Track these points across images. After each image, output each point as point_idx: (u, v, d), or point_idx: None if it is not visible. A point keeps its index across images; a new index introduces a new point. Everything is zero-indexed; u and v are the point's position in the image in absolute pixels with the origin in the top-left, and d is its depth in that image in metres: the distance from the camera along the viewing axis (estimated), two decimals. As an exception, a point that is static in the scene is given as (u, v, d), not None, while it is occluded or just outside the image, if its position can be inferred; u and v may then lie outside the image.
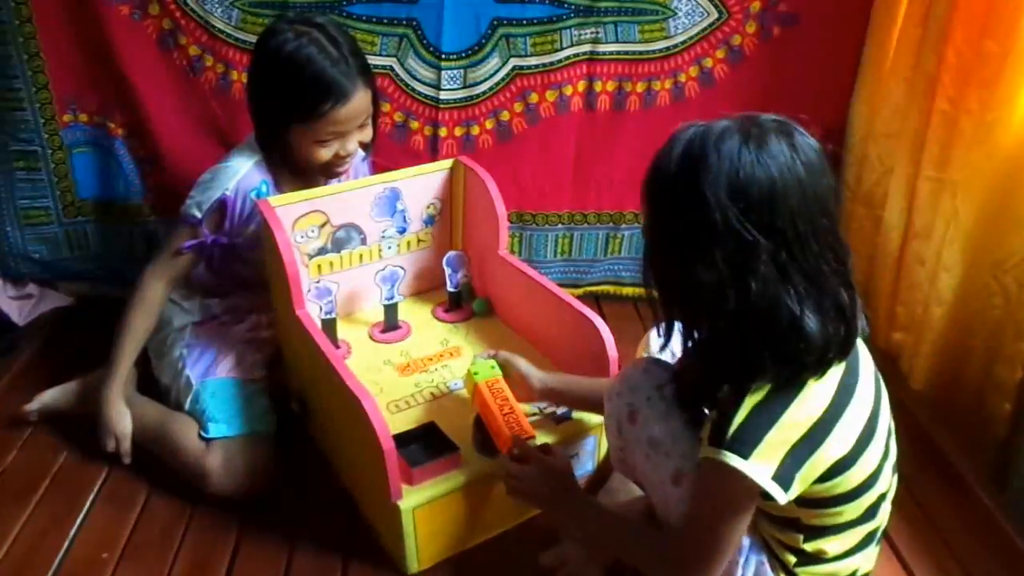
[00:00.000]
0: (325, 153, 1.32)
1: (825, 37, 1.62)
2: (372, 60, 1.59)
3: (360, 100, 1.29)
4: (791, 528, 0.92)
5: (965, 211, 1.36)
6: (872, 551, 0.97)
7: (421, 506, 1.10)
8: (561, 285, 1.64)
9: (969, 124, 1.33)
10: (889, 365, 1.56)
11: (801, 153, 0.80)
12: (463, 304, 1.55)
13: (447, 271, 1.50)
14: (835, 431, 0.85)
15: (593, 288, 1.87)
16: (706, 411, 0.92)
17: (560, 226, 1.80)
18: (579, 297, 1.77)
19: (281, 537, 1.22)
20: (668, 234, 0.86)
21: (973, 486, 1.31)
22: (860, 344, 0.91)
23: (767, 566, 0.94)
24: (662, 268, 0.89)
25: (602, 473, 1.29)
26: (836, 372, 0.86)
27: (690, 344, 0.90)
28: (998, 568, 1.20)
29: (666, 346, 0.95)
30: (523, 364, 1.24)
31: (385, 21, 1.59)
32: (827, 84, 1.66)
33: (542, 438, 1.18)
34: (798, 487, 0.84)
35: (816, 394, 0.84)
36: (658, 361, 1.02)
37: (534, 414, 1.26)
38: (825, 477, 0.86)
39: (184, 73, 1.60)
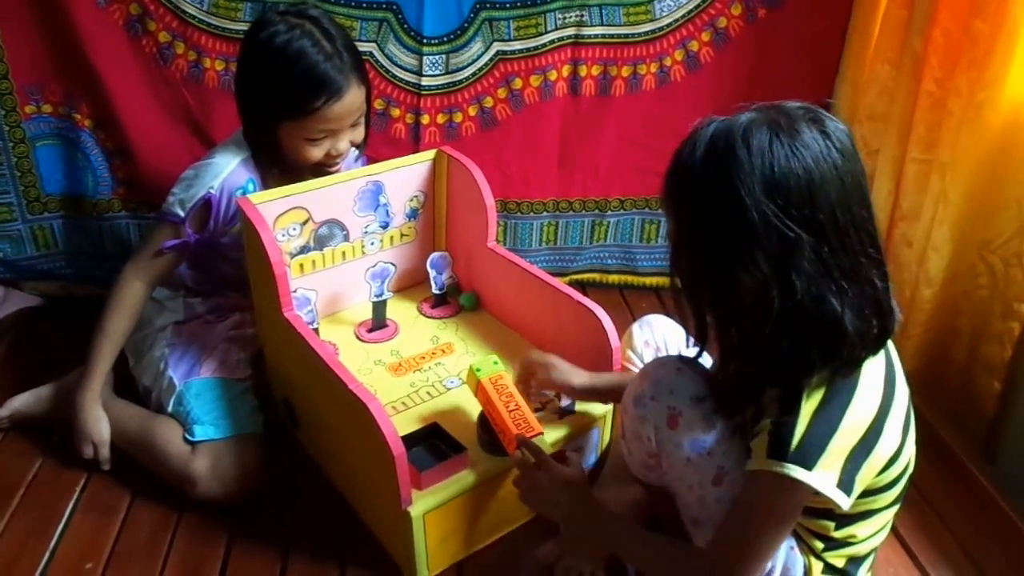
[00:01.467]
0: (316, 152, 1.27)
1: (810, 18, 1.61)
2: (351, 46, 1.55)
3: (354, 97, 1.24)
4: (823, 517, 0.91)
5: (954, 192, 1.36)
6: (888, 529, 0.98)
7: (431, 511, 1.07)
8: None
9: (958, 105, 1.33)
10: (878, 347, 1.57)
11: (835, 139, 0.77)
12: (449, 299, 1.52)
13: (431, 273, 1.46)
14: (886, 428, 0.84)
15: (579, 276, 1.85)
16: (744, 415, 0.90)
17: (545, 214, 1.77)
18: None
19: (274, 542, 1.18)
20: (700, 238, 0.82)
21: (965, 463, 1.32)
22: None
23: (796, 550, 0.94)
24: (694, 273, 0.85)
25: (599, 466, 1.27)
26: (880, 367, 0.85)
27: (727, 349, 0.87)
28: (992, 543, 1.21)
29: (702, 352, 0.92)
30: (560, 363, 1.18)
31: (364, 5, 1.54)
32: (812, 66, 1.66)
33: (549, 432, 1.16)
34: (859, 489, 0.83)
35: (870, 394, 0.83)
36: (685, 359, 0.98)
37: (538, 409, 1.23)
38: (878, 472, 0.85)
39: (154, 61, 1.53)
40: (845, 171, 0.77)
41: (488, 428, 1.15)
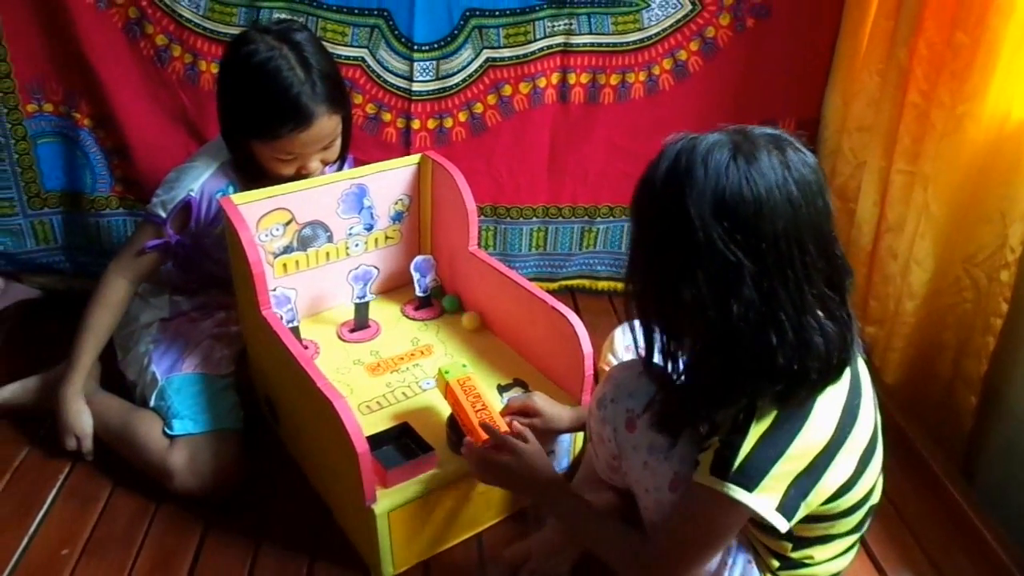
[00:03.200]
0: (285, 169, 1.30)
1: (798, 29, 1.61)
2: (343, 51, 1.58)
3: (322, 126, 1.25)
4: (781, 538, 0.91)
5: (936, 204, 1.35)
6: (852, 555, 0.98)
7: (396, 508, 1.08)
8: (536, 279, 1.63)
9: (940, 117, 1.33)
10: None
11: (794, 170, 0.76)
12: (432, 302, 1.53)
13: (415, 276, 1.48)
14: (838, 458, 0.83)
15: (568, 282, 1.85)
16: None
17: (535, 220, 1.78)
18: (554, 291, 1.76)
19: (247, 536, 1.21)
20: (651, 250, 0.83)
21: (942, 478, 1.31)
22: (862, 365, 0.89)
23: (753, 564, 0.94)
24: (644, 284, 0.86)
25: (572, 470, 1.28)
26: (840, 397, 0.84)
27: (671, 365, 0.88)
28: (965, 559, 1.20)
29: (650, 363, 0.91)
30: (545, 409, 1.17)
31: (356, 11, 1.57)
32: (801, 77, 1.66)
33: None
34: (801, 514, 0.83)
35: (822, 421, 0.82)
36: (649, 363, 0.99)
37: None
38: (828, 500, 0.86)
39: (151, 63, 1.57)
40: (799, 203, 0.76)
41: (457, 429, 1.16)
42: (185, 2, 1.53)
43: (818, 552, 0.92)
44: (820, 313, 0.79)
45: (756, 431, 0.80)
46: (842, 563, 0.96)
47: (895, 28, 1.43)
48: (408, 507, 1.10)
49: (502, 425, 1.13)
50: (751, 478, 0.80)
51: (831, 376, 0.82)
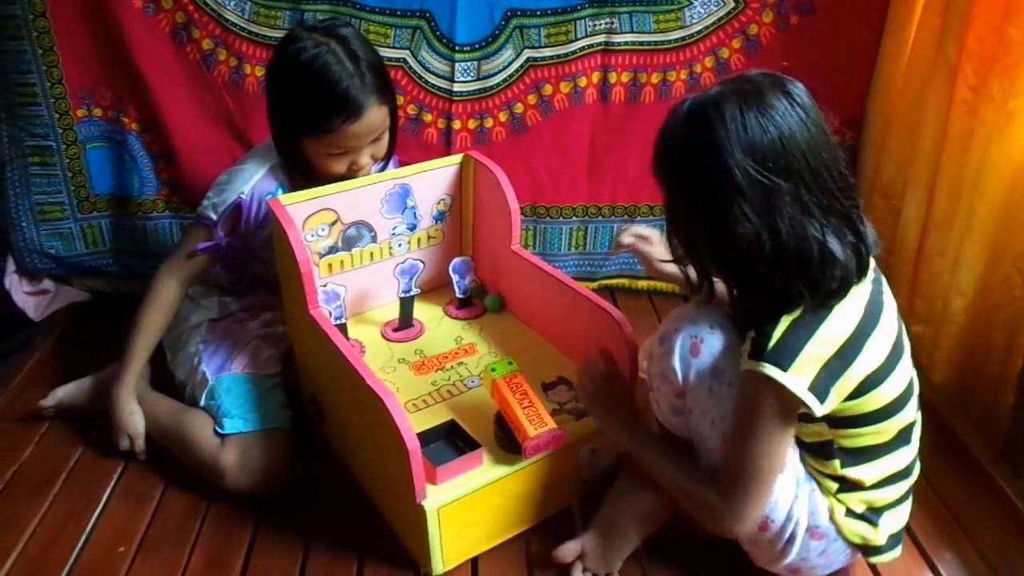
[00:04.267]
0: (336, 165, 1.31)
1: (843, 26, 1.60)
2: (385, 52, 1.59)
3: (373, 117, 1.27)
4: (826, 455, 1.00)
5: (986, 201, 1.33)
6: (904, 489, 1.04)
7: (446, 505, 1.09)
8: (576, 279, 1.62)
9: (990, 112, 1.31)
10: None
11: (796, 99, 0.89)
12: (474, 301, 1.54)
13: (454, 278, 1.48)
14: (865, 349, 0.92)
15: (608, 281, 1.85)
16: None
17: (575, 219, 1.78)
18: (594, 291, 1.75)
19: (297, 533, 1.22)
20: (694, 203, 0.92)
21: (993, 476, 1.30)
22: (886, 286, 0.99)
23: (818, 492, 1.02)
24: (692, 235, 0.95)
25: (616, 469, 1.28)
26: (861, 298, 0.93)
27: (731, 294, 0.98)
28: (1019, 557, 1.19)
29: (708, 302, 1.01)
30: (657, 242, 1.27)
31: (398, 13, 1.58)
32: (845, 73, 1.64)
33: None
34: (834, 400, 0.92)
35: (844, 315, 0.92)
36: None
37: (555, 409, 1.25)
38: (858, 392, 0.93)
39: (197, 67, 1.60)
40: (809, 123, 0.88)
41: (504, 426, 1.17)
42: (231, 6, 1.55)
43: (865, 471, 0.99)
44: (849, 203, 0.90)
45: (785, 321, 0.90)
46: (894, 492, 1.02)
47: (943, 23, 1.41)
48: (457, 504, 1.10)
49: (550, 422, 1.14)
50: (783, 358, 0.89)
51: (860, 276, 0.92)
